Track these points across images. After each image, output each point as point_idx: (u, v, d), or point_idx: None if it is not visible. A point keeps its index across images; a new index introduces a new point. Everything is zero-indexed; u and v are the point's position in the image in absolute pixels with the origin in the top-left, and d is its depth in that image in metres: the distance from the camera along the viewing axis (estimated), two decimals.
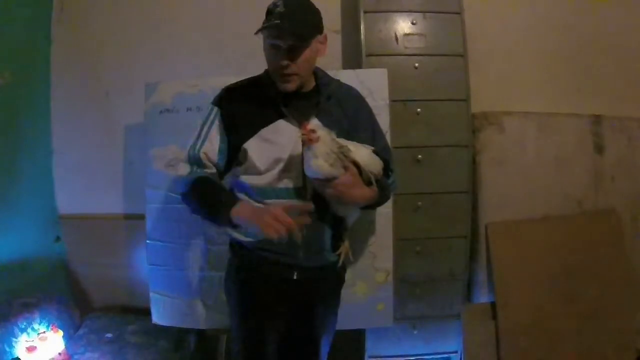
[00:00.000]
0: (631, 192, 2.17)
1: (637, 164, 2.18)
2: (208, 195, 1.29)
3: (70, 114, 2.27)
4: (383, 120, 1.82)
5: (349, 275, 1.81)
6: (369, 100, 1.80)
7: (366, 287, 1.84)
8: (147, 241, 1.89)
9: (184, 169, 1.35)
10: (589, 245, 2.08)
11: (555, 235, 2.07)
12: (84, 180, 2.29)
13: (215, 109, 1.37)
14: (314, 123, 1.31)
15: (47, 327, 1.85)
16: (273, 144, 1.31)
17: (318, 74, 1.40)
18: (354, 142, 1.34)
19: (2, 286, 1.87)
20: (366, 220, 1.83)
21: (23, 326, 1.78)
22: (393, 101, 1.86)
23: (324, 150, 1.21)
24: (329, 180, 1.22)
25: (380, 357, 2.05)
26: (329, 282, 1.47)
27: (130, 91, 2.10)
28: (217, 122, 1.35)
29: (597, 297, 2.03)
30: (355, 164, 1.27)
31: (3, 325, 1.72)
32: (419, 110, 1.98)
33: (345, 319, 1.84)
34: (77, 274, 2.32)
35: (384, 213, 1.81)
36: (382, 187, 1.36)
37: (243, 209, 1.23)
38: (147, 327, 1.99)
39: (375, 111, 1.81)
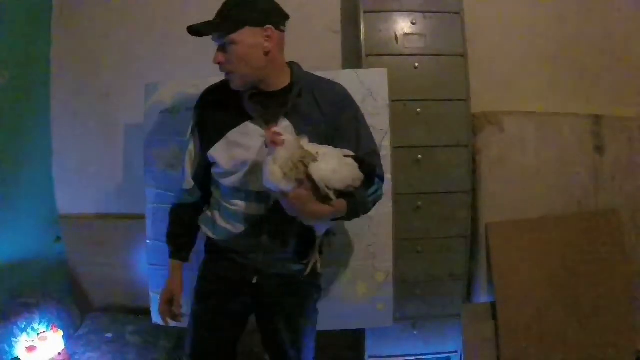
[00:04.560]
0: (631, 192, 2.17)
1: (637, 164, 2.18)
2: (172, 234, 1.45)
3: (70, 114, 2.27)
4: (383, 120, 1.82)
5: (349, 275, 1.82)
6: (368, 100, 1.81)
7: (366, 287, 1.84)
8: (147, 241, 1.88)
9: (179, 180, 1.44)
10: (589, 245, 2.08)
11: (555, 235, 2.07)
12: (84, 180, 2.29)
13: (194, 113, 1.38)
14: (284, 125, 1.25)
15: (47, 327, 1.85)
16: (240, 146, 1.27)
17: (294, 70, 1.32)
18: (330, 148, 1.22)
19: (2, 286, 1.87)
20: (366, 220, 1.83)
21: (23, 326, 1.78)
22: (393, 101, 1.86)
23: (285, 157, 1.11)
24: (282, 192, 1.14)
25: (380, 357, 2.05)
26: (291, 291, 1.38)
27: (130, 91, 2.10)
28: (195, 131, 1.37)
29: (597, 297, 2.03)
30: (312, 179, 1.14)
31: (3, 325, 1.72)
32: (419, 110, 1.98)
33: (345, 319, 1.84)
34: (77, 274, 2.32)
35: (384, 213, 1.81)
36: (356, 200, 1.23)
37: (171, 273, 1.43)
38: (147, 327, 1.99)
39: (375, 111, 1.82)
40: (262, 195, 1.27)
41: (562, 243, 2.06)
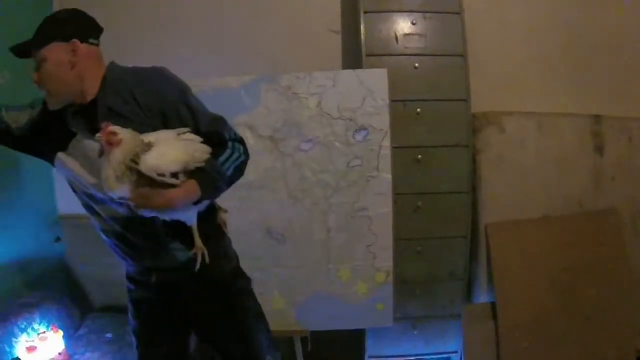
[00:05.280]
0: (631, 192, 2.17)
1: (637, 164, 2.18)
2: None
3: None
4: (383, 120, 1.82)
5: (349, 275, 1.82)
6: (368, 100, 1.81)
7: (366, 287, 1.84)
8: None
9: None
10: (589, 245, 2.08)
11: (555, 235, 2.07)
12: None
13: (41, 106, 1.29)
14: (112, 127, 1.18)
15: (47, 327, 1.85)
16: (76, 162, 1.25)
17: (105, 73, 1.27)
18: (164, 131, 1.15)
19: (2, 286, 1.87)
20: (366, 220, 1.83)
21: (23, 326, 1.78)
22: (393, 101, 1.86)
23: (119, 158, 1.02)
24: (121, 198, 1.06)
25: (380, 357, 2.05)
26: (196, 280, 1.31)
27: None
28: (35, 112, 1.29)
29: (597, 297, 2.03)
30: (143, 174, 1.05)
31: (3, 325, 1.72)
32: (419, 110, 1.98)
33: (345, 319, 1.84)
34: (77, 274, 2.32)
35: (384, 213, 1.81)
36: (208, 174, 1.15)
37: None
38: None
39: (375, 111, 1.82)
40: (115, 201, 1.20)
41: (562, 243, 2.06)
